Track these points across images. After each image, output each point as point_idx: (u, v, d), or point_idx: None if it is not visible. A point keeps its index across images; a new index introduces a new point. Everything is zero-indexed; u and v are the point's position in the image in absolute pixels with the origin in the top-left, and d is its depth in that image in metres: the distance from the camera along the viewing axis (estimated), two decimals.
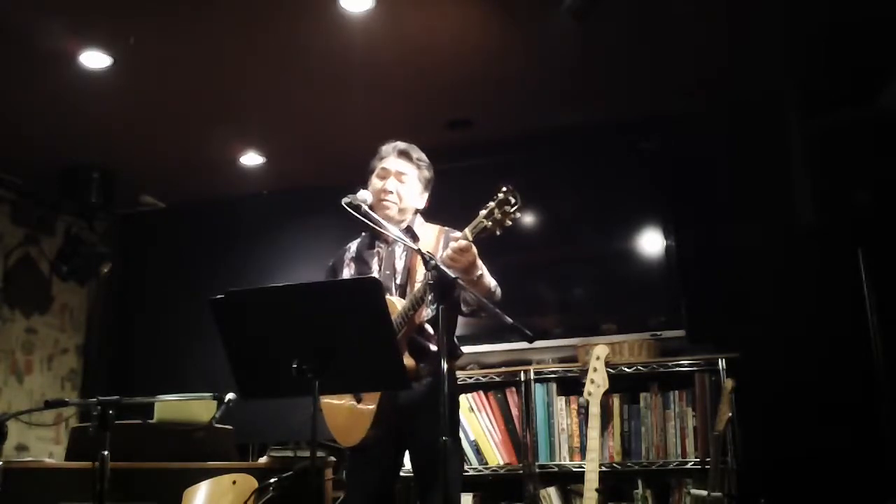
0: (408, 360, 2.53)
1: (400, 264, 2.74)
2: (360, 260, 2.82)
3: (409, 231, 2.80)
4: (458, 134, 4.50)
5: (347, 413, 2.64)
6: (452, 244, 2.42)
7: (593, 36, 3.58)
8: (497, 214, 2.33)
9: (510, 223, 2.35)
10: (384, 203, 2.75)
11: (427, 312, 2.64)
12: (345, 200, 2.61)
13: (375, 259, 2.79)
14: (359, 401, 2.62)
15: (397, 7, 3.41)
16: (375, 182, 2.79)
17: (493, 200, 2.34)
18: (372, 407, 2.57)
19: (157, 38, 3.58)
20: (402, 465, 2.77)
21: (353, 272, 2.81)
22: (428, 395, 2.55)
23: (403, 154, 2.80)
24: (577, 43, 3.65)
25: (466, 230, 2.41)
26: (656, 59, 3.86)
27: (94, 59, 3.69)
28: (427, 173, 2.84)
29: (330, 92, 4.09)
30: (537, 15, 3.45)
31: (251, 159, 4.82)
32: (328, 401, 2.69)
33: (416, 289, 2.57)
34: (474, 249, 2.44)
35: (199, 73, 3.88)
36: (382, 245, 2.79)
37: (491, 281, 2.63)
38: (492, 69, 3.90)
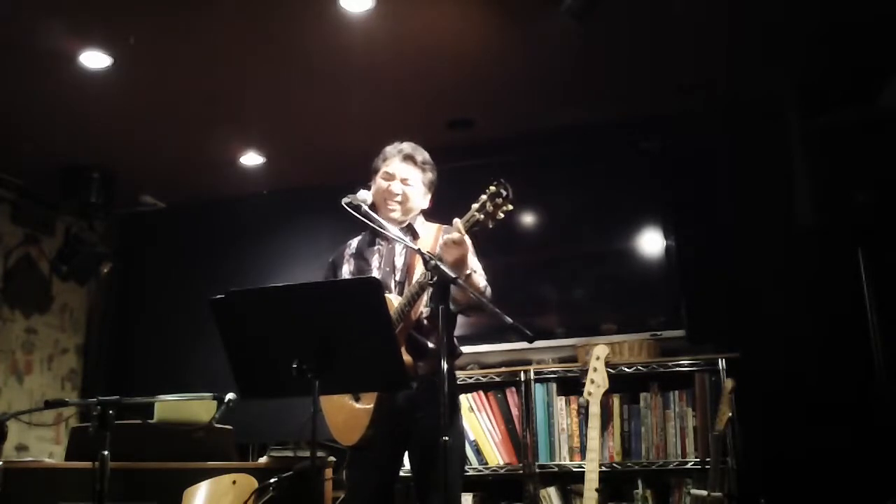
0: (405, 357, 2.53)
1: (400, 261, 2.75)
2: (361, 256, 2.83)
3: (410, 229, 2.81)
4: (458, 134, 4.50)
5: (346, 412, 2.64)
6: (447, 235, 2.43)
7: (593, 36, 3.57)
8: (489, 207, 2.36)
9: (502, 216, 2.37)
10: (389, 206, 2.76)
11: (426, 310, 2.65)
12: (345, 200, 2.62)
13: (376, 256, 2.80)
14: (357, 399, 2.62)
15: (397, 7, 3.41)
16: (380, 183, 2.79)
17: (485, 194, 2.37)
18: (370, 406, 2.57)
19: (157, 38, 3.58)
20: (401, 464, 2.77)
21: (352, 268, 2.82)
22: (426, 394, 2.55)
23: (409, 158, 2.80)
24: (577, 43, 3.65)
25: (460, 223, 2.42)
26: (656, 59, 3.86)
27: (94, 59, 3.70)
28: (431, 175, 2.84)
29: (330, 92, 4.09)
30: (537, 15, 3.45)
31: (251, 159, 4.82)
32: (328, 400, 2.69)
33: (412, 284, 2.58)
34: (468, 244, 2.45)
35: (199, 73, 3.88)
36: (383, 242, 2.80)
37: (481, 281, 2.63)
38: (492, 69, 3.90)
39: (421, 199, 2.82)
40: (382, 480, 2.68)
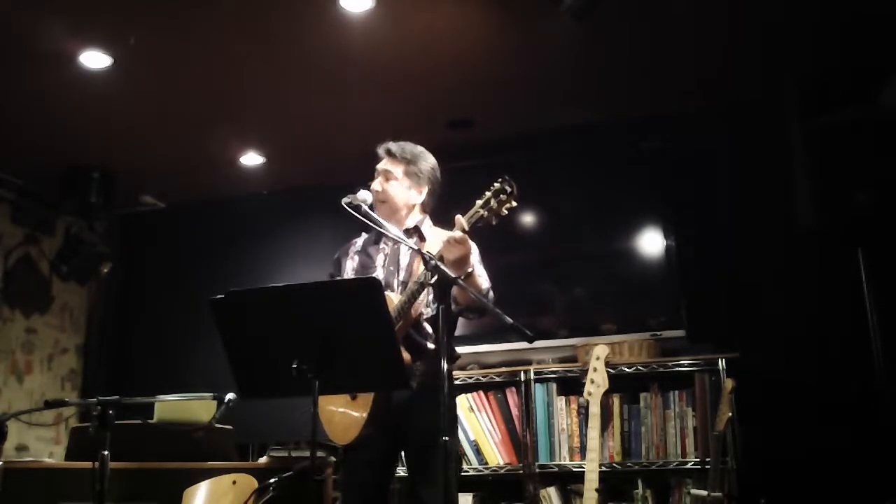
0: (404, 355, 2.53)
1: (404, 261, 2.76)
2: (365, 253, 2.85)
3: (417, 231, 2.81)
4: (458, 134, 4.50)
5: (342, 412, 2.65)
6: (451, 233, 2.43)
7: (593, 36, 3.58)
8: (493, 204, 2.37)
9: (506, 212, 2.39)
10: (376, 202, 2.78)
11: (427, 311, 2.65)
12: (344, 200, 2.62)
13: (381, 255, 2.81)
14: (353, 399, 2.62)
15: (397, 7, 3.41)
16: (373, 184, 2.83)
17: (490, 190, 2.39)
18: (366, 405, 2.58)
19: (157, 38, 3.58)
20: (397, 463, 2.78)
21: (356, 264, 2.83)
22: (423, 394, 2.55)
23: (388, 152, 2.83)
24: (577, 43, 3.65)
25: (463, 219, 2.42)
26: (656, 59, 3.86)
27: (94, 59, 3.70)
28: (416, 167, 2.82)
29: (330, 92, 4.09)
30: (537, 15, 3.45)
31: (251, 159, 4.82)
32: (323, 399, 2.68)
33: (412, 282, 2.58)
34: (470, 244, 2.45)
35: (199, 73, 3.88)
36: (389, 242, 2.81)
37: (484, 283, 2.63)
38: (492, 69, 3.90)
39: (405, 192, 2.81)
40: (376, 480, 2.69)
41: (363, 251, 2.86)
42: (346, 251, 2.91)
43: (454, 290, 2.47)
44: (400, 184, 2.80)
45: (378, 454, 2.66)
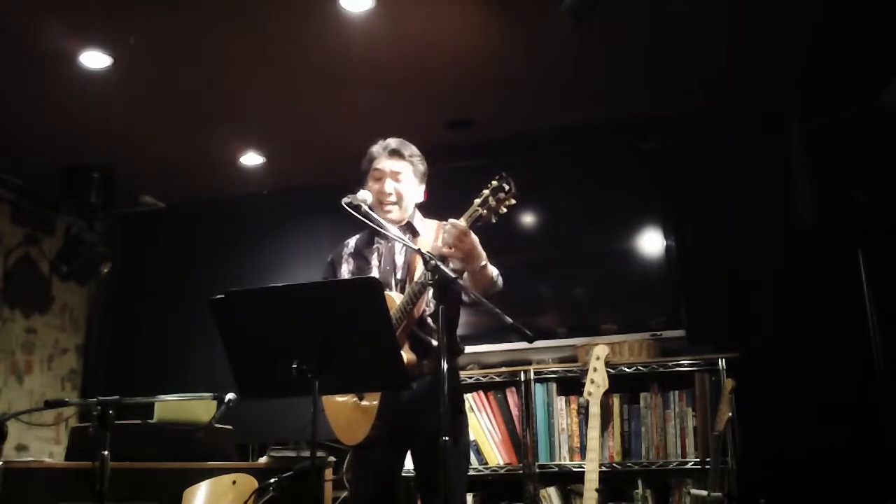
0: (409, 355, 2.53)
1: (400, 259, 2.74)
2: (360, 256, 2.82)
3: (409, 226, 2.79)
4: (458, 134, 4.50)
5: (350, 412, 2.64)
6: (450, 228, 2.39)
7: (593, 36, 3.58)
8: (491, 202, 2.34)
9: (504, 210, 2.35)
10: (385, 207, 2.74)
11: (430, 307, 2.64)
12: (345, 200, 2.60)
13: (375, 255, 2.79)
14: (361, 399, 2.62)
15: (397, 7, 3.41)
16: (371, 185, 2.77)
17: (487, 188, 2.36)
18: (374, 405, 2.57)
19: (157, 38, 3.58)
20: (404, 463, 2.77)
21: (351, 268, 2.81)
22: (430, 393, 2.54)
23: (395, 153, 2.77)
24: (577, 43, 3.65)
25: (462, 219, 2.40)
26: (656, 59, 3.86)
27: (94, 59, 3.70)
28: (421, 167, 2.82)
29: (330, 92, 4.09)
30: (537, 15, 3.45)
31: (251, 159, 4.82)
32: (331, 399, 2.68)
33: (414, 282, 2.57)
34: (473, 235, 2.43)
35: (199, 73, 3.88)
36: (382, 241, 2.78)
37: (493, 270, 2.60)
38: (492, 69, 3.90)
39: (415, 192, 2.80)
40: (385, 480, 2.68)
41: (357, 254, 2.83)
42: (340, 254, 2.87)
43: (463, 283, 2.46)
44: (410, 184, 2.78)
45: (386, 453, 2.64)
